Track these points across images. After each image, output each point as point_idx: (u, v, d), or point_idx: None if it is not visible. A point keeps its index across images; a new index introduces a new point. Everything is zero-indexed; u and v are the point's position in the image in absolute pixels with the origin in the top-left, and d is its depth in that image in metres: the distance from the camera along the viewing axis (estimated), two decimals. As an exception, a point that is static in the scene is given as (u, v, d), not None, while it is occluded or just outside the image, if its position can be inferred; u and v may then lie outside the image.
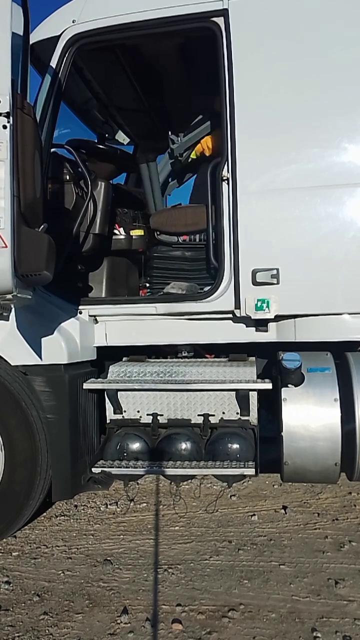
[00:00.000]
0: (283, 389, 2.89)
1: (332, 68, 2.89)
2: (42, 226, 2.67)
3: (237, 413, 3.10)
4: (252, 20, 2.96)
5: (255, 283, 2.92)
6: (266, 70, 2.93)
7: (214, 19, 2.98)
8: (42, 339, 2.97)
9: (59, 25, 3.17)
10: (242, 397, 3.04)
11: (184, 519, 3.43)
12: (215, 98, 3.15)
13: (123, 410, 3.20)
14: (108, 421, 3.23)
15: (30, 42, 2.83)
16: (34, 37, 3.06)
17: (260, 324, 3.11)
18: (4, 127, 2.36)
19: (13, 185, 2.39)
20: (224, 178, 2.99)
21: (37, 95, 3.22)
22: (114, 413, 3.21)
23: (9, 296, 2.48)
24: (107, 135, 4.60)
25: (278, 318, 3.01)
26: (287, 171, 2.92)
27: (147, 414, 3.17)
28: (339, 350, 3.05)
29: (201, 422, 3.12)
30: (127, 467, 3.03)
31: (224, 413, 3.12)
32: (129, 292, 3.78)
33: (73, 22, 3.13)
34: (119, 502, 3.68)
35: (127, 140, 4.76)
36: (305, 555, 2.97)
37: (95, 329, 3.29)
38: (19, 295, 2.50)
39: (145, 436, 3.16)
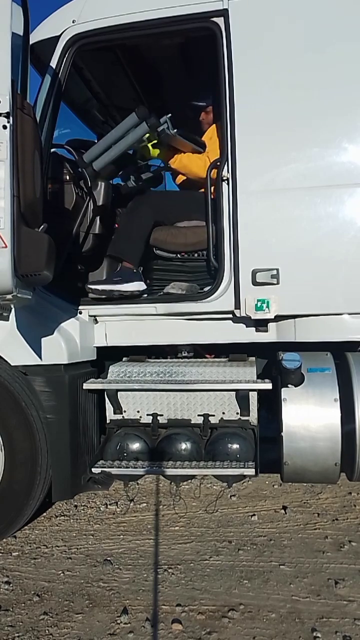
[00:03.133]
0: (283, 389, 2.89)
1: (332, 68, 2.88)
2: (42, 226, 2.67)
3: (237, 413, 3.10)
4: (252, 20, 2.95)
5: (255, 283, 2.92)
6: (266, 70, 2.93)
7: (214, 19, 2.98)
8: (42, 339, 2.97)
9: (59, 26, 3.17)
10: (242, 397, 3.04)
11: (184, 519, 3.43)
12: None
13: (123, 410, 3.19)
14: (108, 421, 3.23)
15: (30, 42, 2.83)
16: (34, 37, 3.06)
17: (260, 324, 3.11)
18: (4, 127, 2.35)
19: (13, 185, 2.39)
20: (224, 178, 2.99)
21: (37, 95, 3.22)
22: (114, 413, 3.21)
23: (9, 296, 2.48)
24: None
25: (278, 318, 3.01)
26: (287, 171, 2.92)
27: (147, 414, 3.16)
28: (339, 350, 3.05)
29: (201, 422, 3.11)
30: (127, 467, 3.03)
31: (224, 413, 3.12)
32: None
33: (73, 22, 3.13)
34: (119, 502, 3.68)
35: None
36: (305, 555, 2.97)
37: (95, 329, 3.29)
38: (18, 295, 2.50)
39: (145, 436, 3.16)
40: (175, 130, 3.10)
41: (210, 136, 3.38)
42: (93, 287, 3.18)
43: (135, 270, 3.24)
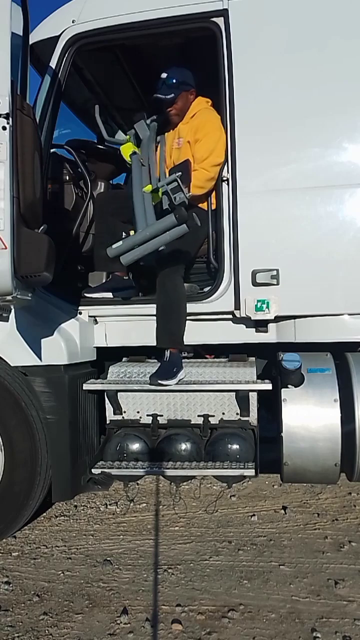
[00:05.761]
0: (283, 390, 2.89)
1: (333, 68, 2.89)
2: (42, 227, 2.67)
3: (237, 414, 3.10)
4: (251, 20, 2.95)
5: (255, 284, 2.92)
6: (266, 70, 2.93)
7: (214, 19, 2.99)
8: (42, 340, 2.97)
9: (58, 26, 3.18)
10: (242, 398, 3.04)
11: (184, 519, 3.44)
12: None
13: (123, 410, 3.20)
14: (108, 422, 3.23)
15: (30, 42, 2.83)
16: (34, 37, 3.06)
17: (260, 325, 3.11)
18: (4, 128, 2.36)
19: (13, 186, 2.39)
20: (224, 178, 3.00)
21: (37, 95, 3.22)
22: (114, 414, 3.21)
23: (9, 297, 2.49)
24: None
25: (278, 319, 3.01)
26: (287, 171, 2.93)
27: (147, 415, 3.16)
28: (339, 351, 3.05)
29: (201, 422, 3.11)
30: (127, 468, 3.03)
31: (223, 414, 3.12)
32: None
33: (73, 22, 3.13)
34: (118, 503, 3.69)
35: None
36: (305, 555, 2.97)
37: (95, 329, 3.29)
38: (18, 296, 2.51)
39: (145, 437, 3.16)
40: (189, 194, 2.76)
41: (189, 133, 3.17)
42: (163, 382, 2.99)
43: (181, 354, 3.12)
